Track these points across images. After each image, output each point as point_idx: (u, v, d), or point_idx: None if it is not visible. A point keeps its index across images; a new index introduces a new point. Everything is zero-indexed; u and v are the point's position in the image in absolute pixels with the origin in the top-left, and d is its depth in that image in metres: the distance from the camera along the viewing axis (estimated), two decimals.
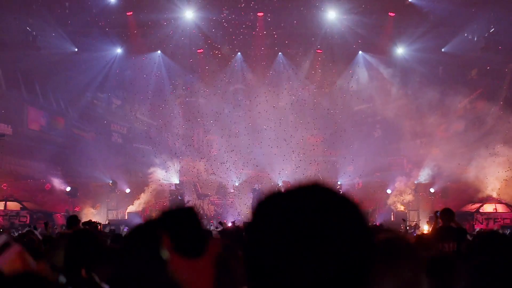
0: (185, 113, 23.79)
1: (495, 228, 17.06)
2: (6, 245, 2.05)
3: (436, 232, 7.48)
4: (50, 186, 21.66)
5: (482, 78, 22.57)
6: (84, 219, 12.58)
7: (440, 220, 7.95)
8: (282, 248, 1.08)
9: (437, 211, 8.23)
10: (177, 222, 1.70)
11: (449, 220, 7.78)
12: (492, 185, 20.43)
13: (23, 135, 21.20)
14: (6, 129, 21.28)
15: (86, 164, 21.68)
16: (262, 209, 1.16)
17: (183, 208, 1.79)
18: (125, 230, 14.20)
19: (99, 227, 11.54)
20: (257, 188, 20.70)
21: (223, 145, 22.65)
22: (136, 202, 21.69)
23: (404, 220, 15.78)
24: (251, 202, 20.27)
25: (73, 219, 9.04)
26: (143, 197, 21.76)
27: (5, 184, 20.91)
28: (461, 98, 22.05)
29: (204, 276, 1.62)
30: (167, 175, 22.54)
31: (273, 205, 1.14)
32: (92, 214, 20.30)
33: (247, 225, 1.19)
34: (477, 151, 20.57)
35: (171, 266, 1.58)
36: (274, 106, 22.61)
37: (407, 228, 15.20)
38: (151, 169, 22.65)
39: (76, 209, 21.01)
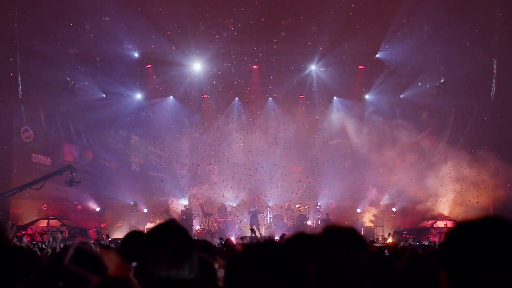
0: (191, 147, 25.78)
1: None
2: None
3: None
4: (81, 207, 23.71)
5: (431, 120, 24.43)
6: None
7: None
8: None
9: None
10: None
11: None
12: (442, 205, 22.45)
13: (60, 165, 22.23)
14: (46, 160, 23.59)
15: (111, 188, 23.86)
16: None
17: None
18: None
19: None
20: (254, 210, 22.88)
21: (222, 173, 24.71)
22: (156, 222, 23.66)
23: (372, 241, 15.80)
24: (249, 219, 22.76)
25: None
26: (161, 217, 23.02)
27: (45, 205, 23.21)
28: (414, 135, 23.91)
29: None
30: (178, 198, 24.61)
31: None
32: (117, 228, 22.87)
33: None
34: (427, 178, 22.52)
35: None
36: (264, 141, 24.36)
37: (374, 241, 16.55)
38: (165, 193, 24.75)
39: (103, 225, 23.40)
